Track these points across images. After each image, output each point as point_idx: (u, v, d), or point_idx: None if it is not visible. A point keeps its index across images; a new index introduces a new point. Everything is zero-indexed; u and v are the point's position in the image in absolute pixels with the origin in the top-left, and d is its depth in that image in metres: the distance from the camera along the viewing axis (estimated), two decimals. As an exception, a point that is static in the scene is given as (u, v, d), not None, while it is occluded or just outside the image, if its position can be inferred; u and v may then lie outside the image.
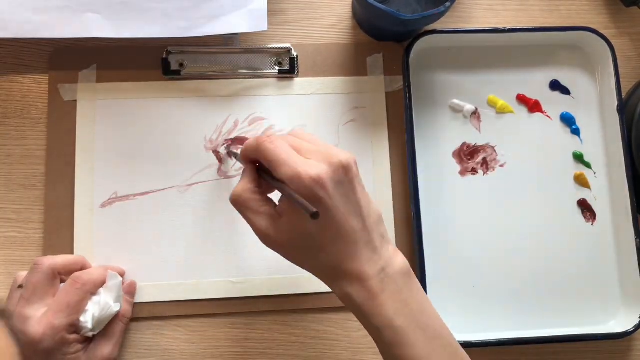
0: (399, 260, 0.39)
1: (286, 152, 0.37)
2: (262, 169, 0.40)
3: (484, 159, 0.53)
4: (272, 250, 0.39)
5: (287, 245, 0.38)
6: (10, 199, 0.51)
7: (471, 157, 0.53)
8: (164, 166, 0.51)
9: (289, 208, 0.37)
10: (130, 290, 0.49)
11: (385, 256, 0.38)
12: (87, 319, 0.44)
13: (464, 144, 0.54)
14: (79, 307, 0.44)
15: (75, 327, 0.44)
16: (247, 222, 0.39)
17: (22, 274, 0.45)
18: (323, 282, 0.39)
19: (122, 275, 0.49)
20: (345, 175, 0.37)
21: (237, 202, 0.39)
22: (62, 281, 0.46)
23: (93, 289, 0.45)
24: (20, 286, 0.44)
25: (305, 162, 0.36)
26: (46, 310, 0.43)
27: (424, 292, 0.40)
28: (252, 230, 0.39)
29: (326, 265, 0.38)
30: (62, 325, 0.42)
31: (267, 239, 0.39)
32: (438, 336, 0.38)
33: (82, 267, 0.47)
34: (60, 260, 0.46)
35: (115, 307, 0.45)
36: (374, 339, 0.38)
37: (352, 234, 0.37)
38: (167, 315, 0.50)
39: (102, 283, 0.46)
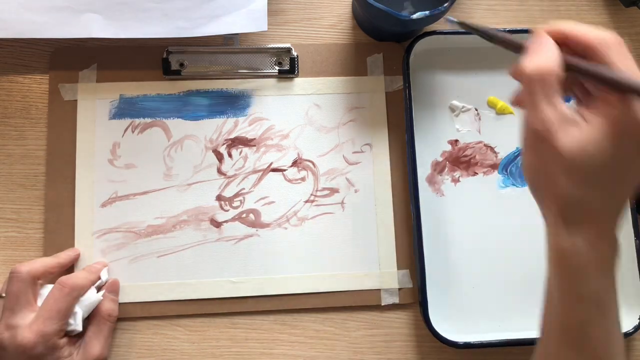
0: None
1: (631, 62, 0.30)
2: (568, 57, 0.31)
3: (484, 160, 0.54)
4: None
5: (563, 156, 0.29)
6: (11, 198, 0.51)
7: (471, 158, 0.53)
8: (163, 166, 0.51)
9: (607, 121, 0.29)
10: (113, 288, 0.49)
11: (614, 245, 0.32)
12: (76, 321, 0.44)
13: (464, 144, 0.54)
14: (69, 312, 0.44)
15: (64, 330, 0.44)
16: (530, 105, 0.30)
17: None
18: (550, 223, 0.32)
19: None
20: None
21: (537, 77, 0.30)
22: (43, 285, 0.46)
23: (81, 293, 0.45)
24: (1, 296, 0.44)
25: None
26: (35, 317, 0.43)
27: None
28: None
29: (579, 204, 0.30)
30: (53, 331, 0.43)
31: (543, 138, 0.30)
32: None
33: (60, 268, 0.48)
34: (37, 265, 0.45)
35: (98, 298, 0.46)
36: (569, 306, 0.32)
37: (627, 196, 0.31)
38: (167, 315, 0.50)
39: (90, 286, 0.46)
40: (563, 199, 0.31)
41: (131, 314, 0.49)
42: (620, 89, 0.29)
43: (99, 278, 0.48)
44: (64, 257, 0.48)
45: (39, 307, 0.44)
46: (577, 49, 0.31)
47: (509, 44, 0.33)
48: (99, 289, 0.48)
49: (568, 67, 0.31)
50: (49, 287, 0.45)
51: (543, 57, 0.30)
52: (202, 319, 0.50)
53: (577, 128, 0.30)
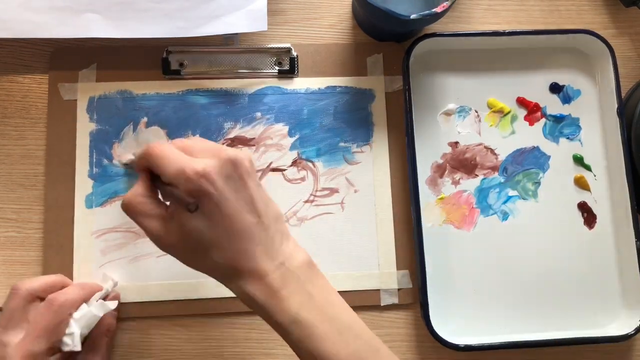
0: (300, 254, 0.38)
1: (171, 151, 0.37)
2: (154, 177, 0.39)
3: (485, 162, 0.53)
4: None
5: (178, 246, 0.37)
6: (10, 198, 0.51)
7: (471, 159, 0.53)
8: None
9: (178, 207, 0.37)
10: (117, 298, 0.48)
11: (284, 251, 0.38)
12: (74, 341, 0.42)
13: (463, 146, 0.54)
14: (58, 329, 0.42)
15: (55, 348, 0.42)
16: (140, 226, 0.38)
17: None
18: (222, 283, 0.38)
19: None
20: (234, 170, 0.37)
21: (127, 208, 0.38)
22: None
23: (72, 309, 0.43)
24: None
25: (190, 159, 0.36)
26: (24, 335, 0.41)
27: (330, 284, 0.39)
28: None
29: (221, 265, 0.37)
30: (41, 350, 0.41)
31: (158, 241, 0.38)
32: (348, 327, 0.37)
33: (63, 287, 0.45)
34: (37, 283, 0.44)
35: (99, 314, 0.44)
36: (283, 338, 0.37)
37: (246, 229, 0.36)
38: (167, 315, 0.50)
39: (81, 301, 0.44)
40: (209, 271, 0.38)
41: (131, 314, 0.49)
42: (169, 194, 0.38)
43: (94, 293, 0.46)
44: (68, 279, 0.47)
45: (28, 325, 0.42)
46: (146, 164, 0.39)
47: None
48: (104, 298, 0.47)
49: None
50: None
51: (130, 190, 0.39)
52: (202, 319, 0.50)
53: (172, 220, 0.37)
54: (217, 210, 0.36)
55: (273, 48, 0.54)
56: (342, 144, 0.53)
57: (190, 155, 0.37)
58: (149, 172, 0.39)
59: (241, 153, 0.38)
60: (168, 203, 0.39)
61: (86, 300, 0.45)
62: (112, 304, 0.46)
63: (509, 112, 0.54)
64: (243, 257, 0.36)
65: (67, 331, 0.42)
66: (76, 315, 0.43)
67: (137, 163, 0.39)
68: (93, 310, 0.44)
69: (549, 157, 0.54)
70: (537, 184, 0.53)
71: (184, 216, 0.36)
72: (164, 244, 0.38)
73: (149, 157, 0.37)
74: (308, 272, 0.38)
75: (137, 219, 0.38)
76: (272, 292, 0.36)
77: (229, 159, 0.37)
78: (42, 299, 0.44)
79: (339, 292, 0.48)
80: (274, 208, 0.39)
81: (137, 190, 0.38)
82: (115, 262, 0.50)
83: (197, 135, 0.52)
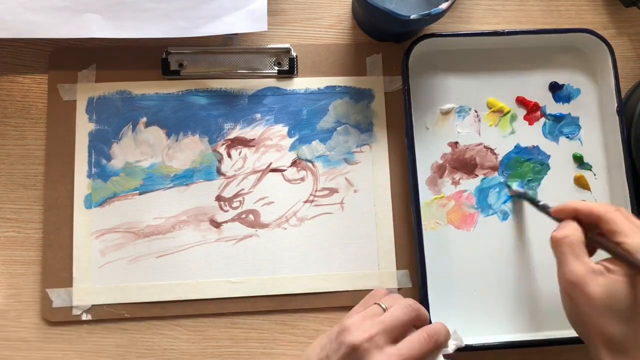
0: None
1: (632, 227, 0.39)
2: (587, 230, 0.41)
3: (484, 162, 0.53)
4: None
5: (595, 300, 0.38)
6: (10, 198, 0.51)
7: (470, 159, 0.53)
8: (163, 166, 0.52)
9: (618, 270, 0.38)
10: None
11: None
12: None
13: (463, 146, 0.54)
14: None
15: None
16: (562, 262, 0.40)
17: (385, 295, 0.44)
18: (596, 354, 0.39)
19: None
20: None
21: (564, 241, 0.40)
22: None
23: (438, 351, 0.42)
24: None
25: None
26: (396, 350, 0.39)
27: None
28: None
29: (617, 338, 0.38)
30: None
31: (576, 287, 0.39)
32: None
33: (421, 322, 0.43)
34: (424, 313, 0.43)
35: None
36: None
37: None
38: (167, 315, 0.50)
39: (444, 346, 0.43)
40: (605, 336, 0.38)
41: (131, 314, 0.49)
42: (628, 262, 0.38)
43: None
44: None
45: (401, 343, 0.40)
46: (589, 220, 0.41)
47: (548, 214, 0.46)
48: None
49: (590, 240, 0.41)
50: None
51: (568, 228, 0.41)
52: (202, 319, 0.50)
53: (603, 277, 0.38)
54: None
55: (272, 48, 0.54)
56: (341, 144, 0.53)
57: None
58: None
59: None
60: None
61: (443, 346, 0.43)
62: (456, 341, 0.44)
63: (508, 112, 0.54)
64: (619, 349, 0.38)
65: None
66: None
67: (566, 211, 0.42)
68: None
69: (548, 156, 0.54)
70: (537, 182, 0.53)
71: (624, 280, 0.38)
72: (580, 292, 0.39)
73: (611, 219, 0.39)
74: None
75: (568, 254, 0.40)
76: None
77: None
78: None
79: (339, 292, 0.48)
80: None
81: (577, 231, 0.41)
82: (115, 263, 0.50)
83: (197, 135, 0.52)
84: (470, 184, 0.53)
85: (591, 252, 0.42)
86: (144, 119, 0.52)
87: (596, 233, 0.41)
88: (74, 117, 0.52)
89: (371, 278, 0.51)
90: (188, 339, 0.50)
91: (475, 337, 0.49)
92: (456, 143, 0.54)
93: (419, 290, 0.49)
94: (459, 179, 0.53)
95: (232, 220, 0.51)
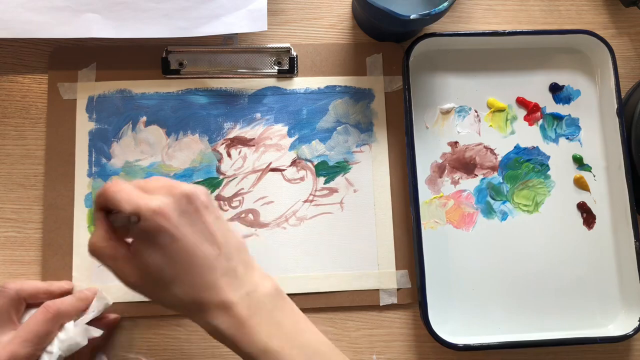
0: (267, 283, 0.38)
1: (127, 190, 0.37)
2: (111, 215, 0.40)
3: (484, 162, 0.53)
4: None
5: (142, 283, 0.37)
6: (10, 198, 0.51)
7: (470, 159, 0.53)
8: (162, 165, 0.52)
9: (136, 246, 0.37)
10: (113, 323, 0.48)
11: (250, 281, 0.38)
12: (51, 358, 0.42)
13: (463, 146, 0.54)
14: (47, 338, 0.42)
15: (36, 356, 0.42)
16: (109, 269, 0.38)
17: None
18: (190, 319, 0.38)
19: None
20: (189, 204, 0.37)
21: (94, 252, 0.38)
22: (30, 307, 0.45)
23: (66, 320, 0.44)
24: None
25: (145, 196, 0.37)
26: (12, 336, 0.41)
27: (299, 311, 0.39)
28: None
29: (185, 299, 0.37)
30: (26, 354, 0.41)
31: (126, 281, 0.38)
32: (317, 352, 0.38)
33: (49, 296, 0.46)
34: (28, 286, 0.44)
35: (82, 342, 0.43)
36: None
37: (206, 261, 0.37)
38: (167, 315, 0.50)
39: (75, 314, 0.45)
40: (174, 307, 0.38)
41: (131, 314, 0.49)
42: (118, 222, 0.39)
43: (89, 306, 0.46)
44: (56, 286, 0.47)
45: (20, 327, 0.42)
46: (105, 204, 0.39)
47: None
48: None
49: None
50: (32, 312, 0.44)
51: (93, 234, 0.39)
52: (202, 319, 0.50)
53: (134, 258, 0.37)
54: (174, 245, 0.36)
55: (273, 48, 0.54)
56: (341, 144, 0.53)
57: (146, 193, 0.38)
58: (106, 212, 0.40)
59: (197, 187, 0.38)
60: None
61: (80, 311, 0.45)
62: (97, 332, 0.45)
63: (508, 112, 0.54)
64: (206, 290, 0.36)
65: (47, 348, 0.42)
66: (62, 335, 0.43)
67: (96, 202, 0.40)
68: (77, 338, 0.43)
69: (548, 157, 0.54)
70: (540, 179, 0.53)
71: (143, 251, 0.37)
72: (130, 283, 0.38)
73: (107, 195, 0.38)
74: (276, 301, 0.38)
75: (106, 262, 0.38)
76: (239, 323, 0.36)
77: (184, 193, 0.37)
78: (28, 302, 0.44)
79: (338, 292, 0.49)
80: (235, 239, 0.39)
81: (100, 234, 0.39)
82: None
83: (197, 135, 0.52)
84: (469, 184, 0.53)
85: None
86: (144, 118, 0.52)
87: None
88: (74, 116, 0.52)
89: (370, 278, 0.51)
90: (188, 339, 0.50)
91: (474, 337, 0.49)
92: (456, 143, 0.54)
93: (418, 290, 0.49)
94: (459, 179, 0.53)
95: (232, 219, 0.51)
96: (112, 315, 0.48)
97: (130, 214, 0.36)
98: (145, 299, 0.48)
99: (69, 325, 0.44)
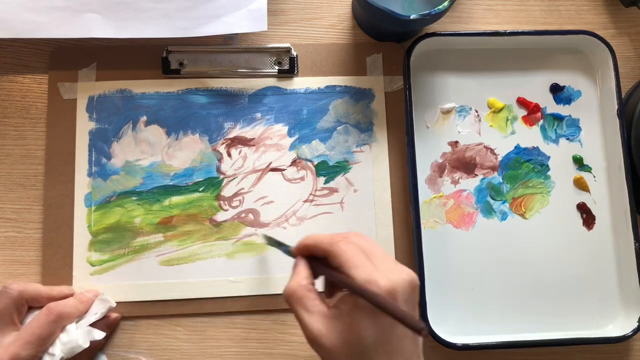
0: None
1: (360, 256, 0.37)
2: (319, 266, 0.39)
3: (484, 162, 0.53)
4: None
5: (336, 350, 0.36)
6: (10, 198, 0.51)
7: (470, 159, 0.53)
8: (162, 164, 0.52)
9: (350, 311, 0.36)
10: (113, 323, 0.48)
11: None
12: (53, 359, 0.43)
13: (463, 146, 0.54)
14: (49, 340, 0.43)
15: (38, 357, 0.42)
16: (298, 318, 0.38)
17: None
18: None
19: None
20: (412, 294, 0.36)
21: (292, 298, 0.38)
22: (32, 309, 0.45)
23: (67, 322, 0.44)
24: None
25: (376, 269, 0.36)
26: (14, 338, 0.42)
27: None
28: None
29: None
30: (28, 356, 0.41)
31: (316, 340, 0.36)
32: None
33: (50, 300, 0.46)
34: (30, 288, 0.45)
35: (84, 344, 0.44)
36: None
37: (407, 354, 0.36)
38: (167, 315, 0.50)
39: (77, 315, 0.45)
40: None
41: (131, 314, 0.49)
42: (342, 285, 0.37)
43: (89, 308, 0.46)
44: (57, 291, 0.47)
45: (22, 329, 0.43)
46: (320, 255, 0.39)
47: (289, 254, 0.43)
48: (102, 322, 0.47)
49: (318, 273, 0.40)
50: (34, 314, 0.44)
51: (293, 278, 0.39)
52: (202, 319, 0.50)
53: (336, 321, 0.36)
54: (391, 330, 0.35)
55: (273, 48, 0.54)
56: (341, 144, 0.53)
57: (370, 259, 0.37)
58: (308, 259, 0.40)
59: (415, 277, 0.37)
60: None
61: (82, 314, 0.46)
62: (99, 335, 0.45)
63: (509, 112, 0.54)
64: None
65: (49, 350, 0.43)
66: (64, 337, 0.43)
67: (301, 248, 0.40)
68: (79, 341, 0.44)
69: (548, 157, 0.54)
70: (540, 178, 0.53)
71: (360, 324, 0.35)
72: (320, 345, 0.36)
73: (337, 252, 0.37)
74: None
75: (300, 311, 0.37)
76: None
77: (412, 282, 0.36)
78: (29, 305, 0.45)
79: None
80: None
81: (302, 281, 0.38)
82: (114, 261, 0.50)
83: (197, 134, 0.52)
84: (469, 184, 0.53)
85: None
86: (144, 118, 0.52)
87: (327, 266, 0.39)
88: (74, 116, 0.52)
89: (371, 278, 0.51)
90: (188, 338, 0.50)
91: (473, 337, 0.49)
92: (456, 142, 0.54)
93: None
94: (459, 179, 0.53)
95: (232, 219, 0.51)
96: (113, 315, 0.48)
97: (360, 282, 0.35)
98: (147, 299, 0.49)
99: (71, 327, 0.44)
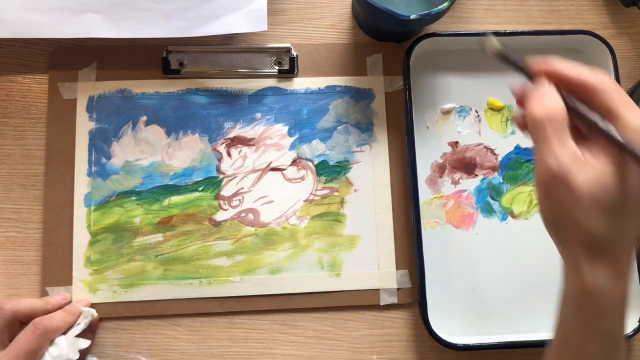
0: None
1: (626, 98, 0.31)
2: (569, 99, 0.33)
3: (484, 162, 0.53)
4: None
5: (587, 192, 0.30)
6: (10, 198, 0.51)
7: (470, 159, 0.53)
8: (162, 164, 0.52)
9: (615, 159, 0.31)
10: (94, 327, 0.49)
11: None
12: None
13: (463, 146, 0.54)
14: (38, 355, 0.43)
15: None
16: (544, 148, 0.31)
17: None
18: (572, 257, 0.33)
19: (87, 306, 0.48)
20: None
21: (548, 120, 0.31)
22: (22, 323, 0.45)
23: (55, 335, 0.44)
24: None
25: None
26: (2, 354, 0.42)
27: None
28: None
29: (603, 238, 0.31)
30: None
31: (559, 180, 0.31)
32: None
33: (46, 313, 0.46)
34: (23, 306, 0.44)
35: (74, 357, 0.44)
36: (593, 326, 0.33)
37: None
38: (167, 315, 0.50)
39: (64, 328, 0.45)
40: (587, 236, 0.31)
41: (131, 313, 0.49)
42: (620, 147, 0.31)
43: (78, 319, 0.46)
44: (52, 303, 0.47)
45: (10, 345, 0.42)
46: (576, 89, 0.33)
47: (524, 72, 0.35)
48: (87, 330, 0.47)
49: (569, 110, 0.32)
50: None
51: (548, 100, 0.32)
52: (202, 319, 0.50)
53: (589, 166, 0.31)
54: None
55: (273, 48, 0.54)
56: (341, 143, 0.53)
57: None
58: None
59: None
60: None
61: (70, 325, 0.46)
62: (85, 343, 0.46)
63: (509, 113, 0.54)
64: (627, 246, 0.32)
65: (41, 358, 0.43)
66: (53, 351, 0.44)
67: (547, 70, 0.33)
68: (69, 354, 0.44)
69: (548, 157, 0.54)
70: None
71: (630, 175, 0.31)
72: (568, 181, 0.31)
73: (606, 89, 0.31)
74: None
75: (551, 137, 0.31)
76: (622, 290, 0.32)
77: None
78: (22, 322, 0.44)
79: (338, 291, 0.49)
80: None
81: (560, 103, 0.32)
82: (114, 261, 0.50)
83: (197, 134, 0.52)
84: (470, 184, 0.53)
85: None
86: (144, 118, 0.52)
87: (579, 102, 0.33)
88: (74, 116, 0.52)
89: (370, 278, 0.51)
90: (188, 338, 0.50)
91: (474, 337, 0.49)
92: (456, 143, 0.54)
93: (417, 289, 0.49)
94: (459, 179, 0.53)
95: (232, 219, 0.51)
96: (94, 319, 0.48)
97: (635, 127, 0.30)
98: (147, 299, 0.48)
99: (60, 340, 0.44)
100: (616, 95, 0.31)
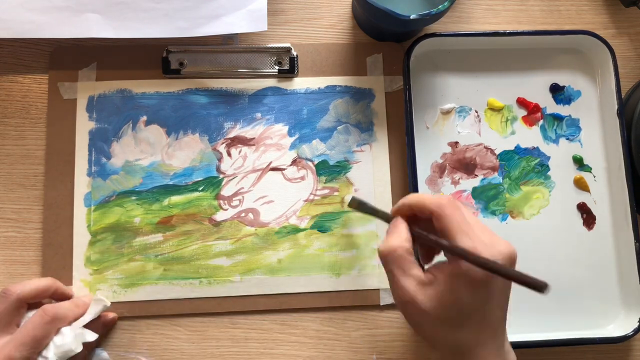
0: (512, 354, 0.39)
1: (467, 223, 0.37)
2: (416, 229, 0.39)
3: (484, 162, 0.53)
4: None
5: (429, 314, 0.37)
6: (10, 198, 0.51)
7: (470, 159, 0.53)
8: (162, 164, 0.52)
9: (448, 279, 0.36)
10: (110, 323, 0.48)
11: (507, 357, 0.38)
12: None
13: (463, 146, 0.54)
14: (43, 342, 0.42)
15: (32, 359, 0.42)
16: (392, 279, 0.38)
17: None
18: (446, 357, 0.38)
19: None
20: (511, 266, 0.36)
21: (390, 257, 0.38)
22: (30, 308, 0.45)
23: (62, 324, 0.44)
24: None
25: (482, 239, 0.36)
26: (9, 339, 0.42)
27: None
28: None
29: (458, 344, 0.37)
30: (22, 358, 0.41)
31: (410, 302, 0.37)
32: None
33: (54, 292, 0.46)
34: (29, 288, 0.44)
35: (77, 349, 0.44)
36: None
37: (497, 322, 0.37)
38: (167, 315, 0.50)
39: (73, 319, 0.45)
40: (445, 344, 0.37)
41: (131, 314, 0.49)
42: (452, 252, 0.37)
43: (86, 311, 0.46)
44: (58, 283, 0.47)
45: (17, 330, 0.43)
46: (424, 215, 0.39)
47: (380, 217, 0.44)
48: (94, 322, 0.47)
49: (417, 237, 0.39)
50: (31, 314, 0.44)
51: (391, 238, 0.39)
52: (202, 319, 0.50)
53: (431, 288, 0.37)
54: (486, 299, 0.36)
55: (273, 48, 0.54)
56: (341, 143, 0.53)
57: (472, 228, 0.37)
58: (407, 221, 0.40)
59: (514, 250, 0.37)
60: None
61: (78, 317, 0.45)
62: (92, 336, 0.45)
63: (509, 113, 0.54)
64: (479, 346, 0.37)
65: (43, 353, 0.43)
66: (58, 340, 0.43)
67: (402, 208, 0.40)
68: (72, 345, 0.44)
69: (548, 157, 0.54)
70: (540, 177, 0.53)
71: (461, 292, 0.36)
72: (413, 308, 0.37)
73: (446, 216, 0.37)
74: None
75: (396, 272, 0.38)
76: None
77: (512, 255, 0.36)
78: (30, 304, 0.45)
79: (338, 291, 0.49)
80: None
81: (403, 243, 0.38)
82: (114, 261, 0.50)
83: (197, 134, 0.52)
84: (469, 184, 0.53)
85: (429, 252, 0.42)
86: (144, 118, 0.52)
87: (424, 228, 0.39)
88: (74, 116, 0.52)
89: (371, 277, 0.51)
90: (188, 338, 0.50)
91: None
92: (456, 143, 0.54)
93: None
94: (459, 179, 0.53)
95: (232, 219, 0.51)
96: (110, 315, 0.48)
97: (468, 249, 0.35)
98: (147, 299, 0.49)
99: (66, 330, 0.44)
100: (454, 221, 0.37)
